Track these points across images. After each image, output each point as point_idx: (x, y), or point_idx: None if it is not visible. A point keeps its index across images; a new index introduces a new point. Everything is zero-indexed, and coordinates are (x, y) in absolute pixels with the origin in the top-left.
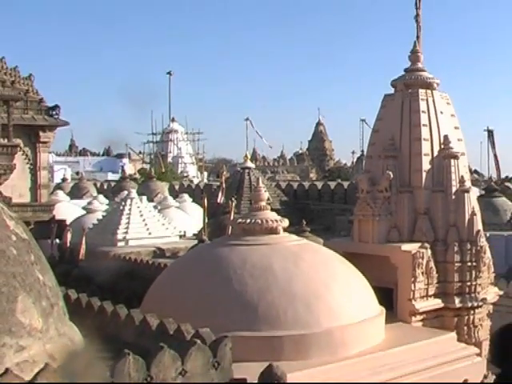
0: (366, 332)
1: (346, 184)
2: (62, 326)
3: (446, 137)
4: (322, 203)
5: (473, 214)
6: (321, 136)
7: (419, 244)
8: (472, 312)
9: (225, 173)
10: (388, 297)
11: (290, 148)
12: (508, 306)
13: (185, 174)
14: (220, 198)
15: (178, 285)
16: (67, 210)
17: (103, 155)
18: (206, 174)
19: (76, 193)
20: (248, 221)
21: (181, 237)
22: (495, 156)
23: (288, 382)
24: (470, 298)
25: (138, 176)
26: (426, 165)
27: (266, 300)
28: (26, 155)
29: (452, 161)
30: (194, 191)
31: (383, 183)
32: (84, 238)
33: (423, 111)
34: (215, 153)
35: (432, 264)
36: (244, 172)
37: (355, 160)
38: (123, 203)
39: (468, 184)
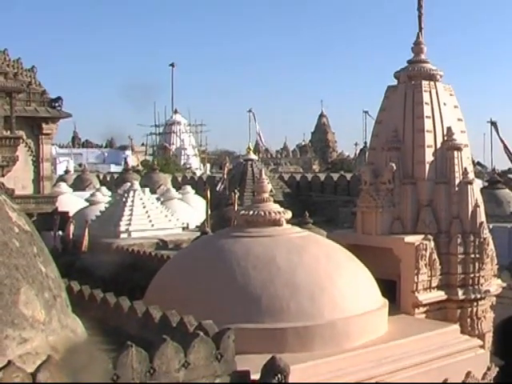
0: (370, 324)
1: (348, 176)
2: (65, 318)
3: (449, 128)
4: (324, 195)
5: (476, 205)
6: (324, 128)
7: (422, 236)
8: (475, 304)
9: (228, 164)
10: (391, 289)
11: (292, 140)
12: (511, 298)
13: (187, 166)
14: (220, 187)
15: (180, 277)
16: (70, 201)
17: (106, 147)
18: (208, 165)
19: (79, 185)
20: (251, 212)
21: (184, 229)
22: (506, 147)
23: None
24: (473, 290)
25: (140, 168)
26: (429, 156)
27: (269, 292)
28: (29, 147)
29: (455, 152)
30: (197, 183)
31: (386, 175)
32: (87, 230)
33: (426, 103)
34: (218, 145)
35: (435, 256)
36: (247, 164)
37: (358, 152)
38: (126, 195)
39: (471, 176)
